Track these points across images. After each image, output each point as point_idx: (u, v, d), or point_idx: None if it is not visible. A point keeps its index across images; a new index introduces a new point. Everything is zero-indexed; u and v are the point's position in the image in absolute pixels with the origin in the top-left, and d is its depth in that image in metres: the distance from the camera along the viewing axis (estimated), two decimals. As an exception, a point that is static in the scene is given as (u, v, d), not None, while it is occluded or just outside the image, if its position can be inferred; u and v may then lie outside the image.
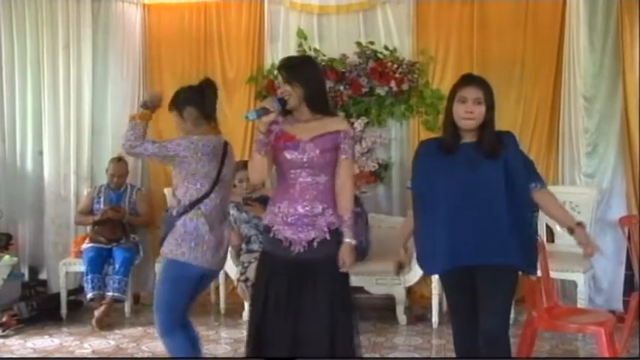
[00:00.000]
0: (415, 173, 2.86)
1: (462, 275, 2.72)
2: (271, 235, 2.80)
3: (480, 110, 2.69)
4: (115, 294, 4.70)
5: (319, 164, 2.76)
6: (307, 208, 2.76)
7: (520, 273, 2.81)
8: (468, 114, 2.69)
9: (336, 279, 2.78)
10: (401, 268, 4.55)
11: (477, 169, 2.67)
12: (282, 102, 2.75)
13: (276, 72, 5.22)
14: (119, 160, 5.11)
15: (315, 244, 2.76)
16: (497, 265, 2.64)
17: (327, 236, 2.76)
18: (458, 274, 2.73)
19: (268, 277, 2.80)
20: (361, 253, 4.57)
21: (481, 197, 2.65)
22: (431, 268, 2.93)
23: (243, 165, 4.77)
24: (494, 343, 2.66)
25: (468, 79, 2.78)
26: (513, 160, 2.69)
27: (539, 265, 3.02)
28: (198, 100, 3.06)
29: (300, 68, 2.82)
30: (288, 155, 2.76)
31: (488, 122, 2.72)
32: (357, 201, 4.59)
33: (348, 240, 2.76)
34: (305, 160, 2.75)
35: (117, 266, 4.77)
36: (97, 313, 4.59)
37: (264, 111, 2.69)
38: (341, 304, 2.76)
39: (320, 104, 2.82)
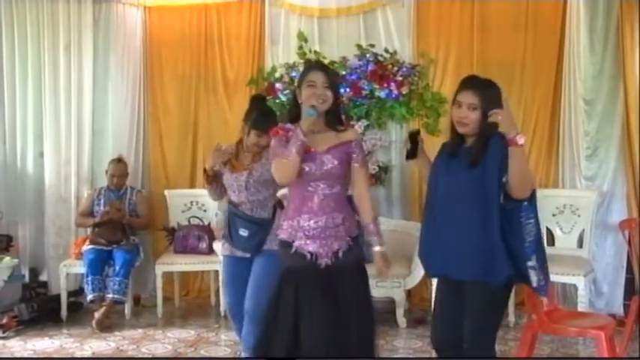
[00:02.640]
0: (430, 171, 2.85)
1: (444, 281, 2.78)
2: (292, 250, 2.77)
3: (474, 116, 2.63)
4: (115, 296, 4.70)
5: (336, 175, 2.77)
6: (329, 220, 2.75)
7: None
8: (461, 119, 2.66)
9: (361, 285, 2.83)
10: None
11: (460, 176, 2.63)
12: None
13: (277, 74, 5.28)
14: (119, 160, 5.13)
15: (340, 254, 2.77)
16: (466, 280, 2.61)
17: (351, 244, 2.79)
18: (444, 279, 2.78)
19: (296, 290, 2.73)
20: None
21: (455, 206, 2.62)
22: (423, 265, 2.91)
23: None
24: (475, 355, 2.64)
25: (465, 84, 2.73)
26: (491, 163, 2.57)
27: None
28: None
29: (337, 78, 2.87)
30: (306, 167, 2.73)
31: (482, 129, 2.62)
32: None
33: (379, 248, 2.82)
34: (323, 171, 2.75)
35: (117, 268, 4.77)
36: (97, 314, 4.59)
37: (316, 110, 2.69)
38: (365, 309, 2.80)
39: (337, 118, 2.85)
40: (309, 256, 2.75)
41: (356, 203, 2.84)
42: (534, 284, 2.60)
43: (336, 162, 2.76)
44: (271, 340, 2.76)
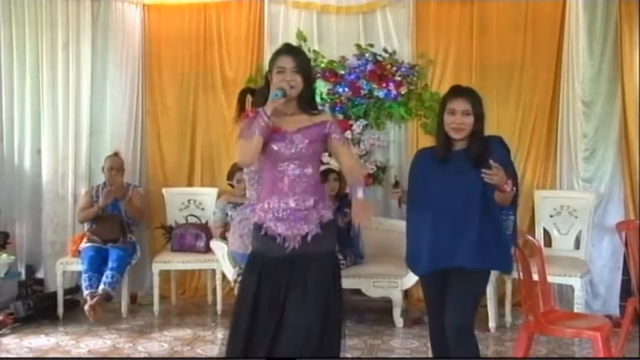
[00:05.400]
0: (409, 180, 3.00)
1: (440, 277, 2.85)
2: (262, 232, 2.73)
3: (469, 121, 2.82)
4: (107, 288, 4.63)
5: (307, 155, 2.73)
6: (299, 202, 2.70)
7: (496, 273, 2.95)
8: (458, 125, 2.82)
9: (329, 273, 2.73)
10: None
11: (461, 176, 2.79)
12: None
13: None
14: (115, 154, 5.12)
15: (308, 238, 2.71)
16: (465, 268, 2.77)
17: (320, 230, 2.72)
18: (436, 276, 2.86)
19: (258, 281, 2.69)
20: (359, 256, 4.62)
21: (459, 203, 2.79)
22: (417, 269, 3.00)
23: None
24: (462, 339, 2.77)
25: (456, 92, 2.89)
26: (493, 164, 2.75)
27: (528, 268, 3.11)
28: None
29: (307, 61, 2.82)
30: (275, 147, 2.70)
31: (476, 132, 2.83)
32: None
33: (362, 195, 2.68)
34: (293, 151, 2.71)
35: (110, 263, 4.76)
36: (89, 302, 4.53)
37: (283, 92, 2.66)
38: (333, 300, 2.70)
39: (310, 101, 2.81)
40: (278, 238, 2.70)
41: (346, 174, 2.82)
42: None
43: (306, 141, 2.71)
44: (235, 334, 2.71)
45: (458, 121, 2.82)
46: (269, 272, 2.70)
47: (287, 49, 2.80)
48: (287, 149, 2.71)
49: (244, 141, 2.68)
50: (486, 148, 2.77)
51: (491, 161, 2.65)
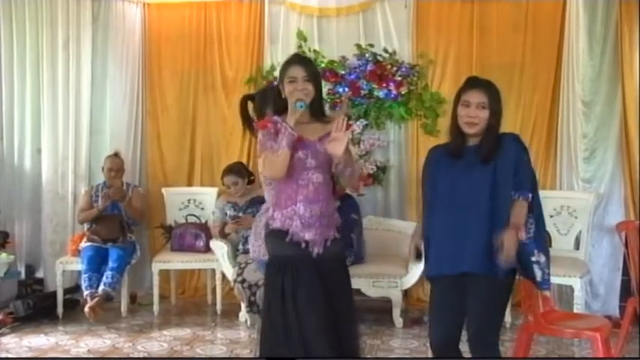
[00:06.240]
0: (424, 179, 2.89)
1: (448, 281, 2.70)
2: (287, 239, 2.74)
3: (484, 115, 2.66)
4: (107, 288, 4.65)
5: (327, 163, 2.77)
6: (323, 208, 2.76)
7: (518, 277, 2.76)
8: (471, 118, 2.66)
9: (345, 277, 2.86)
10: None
11: (469, 174, 2.64)
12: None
13: (276, 73, 5.25)
14: (115, 155, 5.12)
15: (328, 243, 2.78)
16: (476, 273, 2.62)
17: (337, 234, 2.82)
18: (445, 279, 2.72)
19: (293, 279, 2.70)
20: (359, 256, 4.61)
21: (464, 201, 2.64)
22: (426, 270, 2.89)
23: (229, 169, 4.79)
24: (480, 352, 2.66)
25: (472, 83, 2.75)
26: (505, 164, 2.63)
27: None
28: None
29: (316, 69, 2.88)
30: (302, 155, 2.73)
31: (491, 127, 2.67)
32: (354, 208, 4.63)
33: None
34: (319, 159, 2.75)
35: (111, 263, 4.76)
36: (89, 303, 4.54)
37: (304, 103, 2.71)
38: (350, 302, 2.84)
39: (321, 109, 2.86)
40: (304, 244, 2.74)
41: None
42: (538, 278, 2.68)
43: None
44: (276, 338, 2.72)
45: (471, 114, 2.65)
46: (305, 274, 2.71)
47: (297, 60, 2.87)
48: (313, 158, 2.75)
49: (271, 154, 2.71)
50: (498, 145, 2.63)
51: (497, 243, 2.48)
